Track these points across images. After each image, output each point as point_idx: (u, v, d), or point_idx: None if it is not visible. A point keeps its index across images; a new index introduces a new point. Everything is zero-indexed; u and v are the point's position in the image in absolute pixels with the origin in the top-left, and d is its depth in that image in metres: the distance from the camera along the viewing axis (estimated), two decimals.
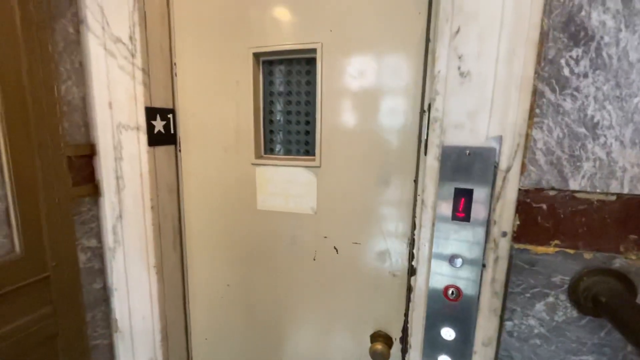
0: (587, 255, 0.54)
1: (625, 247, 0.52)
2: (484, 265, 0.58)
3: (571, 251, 0.54)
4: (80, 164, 0.80)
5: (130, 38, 0.76)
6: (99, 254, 0.87)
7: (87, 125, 0.81)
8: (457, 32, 0.55)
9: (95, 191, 0.83)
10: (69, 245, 0.77)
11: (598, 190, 0.52)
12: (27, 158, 0.67)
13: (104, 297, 0.89)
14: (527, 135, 0.53)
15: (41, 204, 0.70)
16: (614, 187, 0.51)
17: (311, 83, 0.80)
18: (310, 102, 0.81)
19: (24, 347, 0.69)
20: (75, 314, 0.80)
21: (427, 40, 0.67)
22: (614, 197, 0.51)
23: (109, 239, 0.86)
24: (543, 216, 0.54)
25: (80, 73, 0.79)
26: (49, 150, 0.71)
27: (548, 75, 0.51)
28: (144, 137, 0.80)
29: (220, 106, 0.85)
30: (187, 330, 1.00)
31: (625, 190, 0.50)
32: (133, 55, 0.77)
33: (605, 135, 0.50)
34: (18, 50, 0.64)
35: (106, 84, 0.79)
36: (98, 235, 0.86)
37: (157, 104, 0.83)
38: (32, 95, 0.67)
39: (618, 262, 0.52)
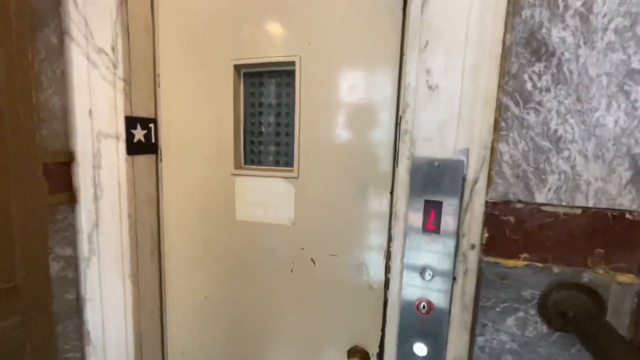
0: (556, 269, 0.53)
1: (593, 261, 0.51)
2: (454, 278, 0.58)
3: (540, 265, 0.54)
4: (58, 172, 0.80)
5: (113, 49, 0.77)
6: (73, 263, 0.85)
7: (66, 133, 0.81)
8: (426, 46, 0.56)
9: (72, 199, 0.83)
10: (41, 254, 0.76)
11: (564, 204, 0.52)
12: (1, 165, 0.67)
13: (77, 308, 0.87)
14: (493, 148, 0.54)
15: (13, 211, 0.69)
16: (580, 201, 0.51)
17: (290, 95, 0.81)
18: (290, 114, 0.82)
19: None
20: (45, 325, 0.78)
21: (402, 54, 0.68)
22: (579, 211, 0.51)
23: (84, 247, 0.85)
24: (511, 229, 0.54)
25: (62, 82, 0.79)
26: (24, 158, 0.71)
27: (512, 90, 0.52)
28: (123, 146, 0.80)
29: (201, 116, 0.86)
30: (163, 344, 0.98)
31: (591, 204, 0.51)
32: (115, 66, 0.78)
33: (568, 149, 0.51)
34: None
35: (87, 92, 0.80)
36: (73, 244, 0.85)
37: (139, 113, 0.84)
38: (9, 102, 0.67)
39: (587, 277, 0.52)
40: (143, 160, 0.86)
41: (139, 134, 0.84)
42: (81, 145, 0.81)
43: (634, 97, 0.47)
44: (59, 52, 0.78)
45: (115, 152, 0.81)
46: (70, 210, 0.83)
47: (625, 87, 0.48)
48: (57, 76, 0.78)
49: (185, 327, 0.95)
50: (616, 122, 0.48)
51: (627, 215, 0.49)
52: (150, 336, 0.92)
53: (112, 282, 0.85)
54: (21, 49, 0.68)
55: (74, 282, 0.86)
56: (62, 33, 0.79)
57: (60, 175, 0.80)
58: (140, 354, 0.89)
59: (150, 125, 0.87)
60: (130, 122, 0.81)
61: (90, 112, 0.80)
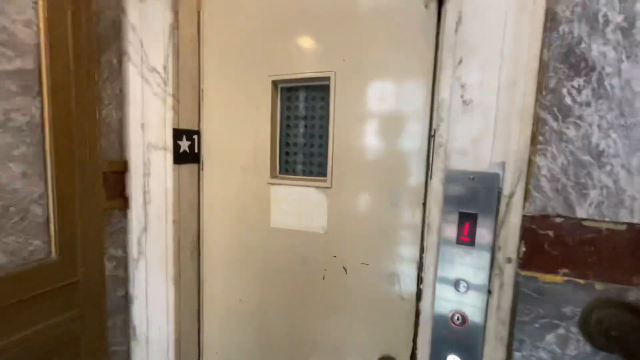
0: (599, 286, 0.52)
1: (639, 279, 0.50)
2: (489, 292, 0.58)
3: (581, 281, 0.53)
4: (113, 179, 0.88)
5: (164, 68, 0.85)
6: (123, 263, 0.93)
7: (121, 144, 0.90)
8: (460, 62, 0.58)
9: (124, 204, 0.91)
10: (98, 254, 0.84)
11: (607, 219, 0.51)
12: (69, 173, 0.75)
13: (125, 305, 0.94)
14: (531, 162, 0.54)
15: (77, 215, 0.78)
16: (624, 216, 0.50)
17: (325, 108, 0.85)
18: (324, 126, 0.86)
19: (50, 347, 0.75)
20: (98, 319, 0.86)
21: (435, 69, 0.70)
22: (624, 227, 0.50)
23: (133, 249, 0.93)
24: (550, 243, 0.54)
25: (119, 98, 0.88)
26: (88, 167, 0.79)
27: (550, 104, 0.52)
28: (170, 156, 0.87)
29: (240, 128, 0.92)
30: (200, 344, 1.03)
31: (636, 219, 0.49)
32: (165, 83, 0.86)
33: (611, 163, 0.50)
34: (69, 79, 0.73)
35: (140, 107, 0.88)
36: (124, 245, 0.93)
37: (184, 125, 0.91)
38: (77, 118, 0.76)
39: (633, 295, 0.50)
40: (187, 169, 0.93)
41: (184, 145, 0.91)
42: (134, 156, 0.89)
43: None
44: (118, 72, 0.87)
45: (163, 162, 0.88)
46: (123, 215, 0.91)
47: None
48: (115, 93, 0.87)
49: (220, 329, 1.00)
50: None
51: None
52: (188, 335, 0.98)
53: (157, 283, 0.92)
54: (89, 70, 0.77)
55: (124, 281, 0.93)
56: (121, 55, 0.88)
57: (115, 183, 0.88)
58: (179, 351, 0.95)
59: (194, 136, 0.94)
60: (177, 134, 0.88)
61: (142, 125, 0.88)
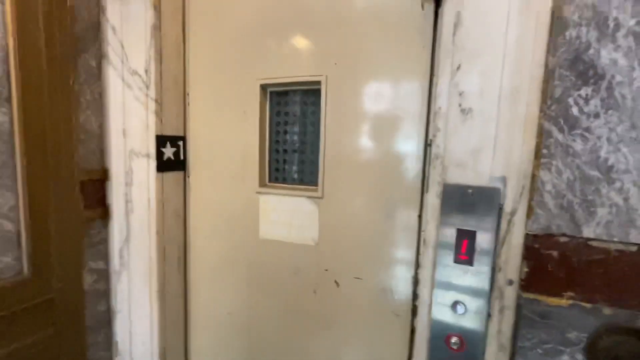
0: (607, 311, 0.48)
1: None
2: (489, 315, 0.54)
3: (587, 305, 0.49)
4: (93, 188, 0.83)
5: (146, 71, 0.81)
6: (105, 276, 0.88)
7: (102, 151, 0.85)
8: (459, 68, 0.53)
9: (105, 214, 0.86)
10: (76, 267, 0.79)
11: (616, 239, 0.47)
12: (42, 183, 0.71)
13: (108, 319, 0.90)
14: (534, 177, 0.50)
15: (51, 227, 0.73)
16: (635, 237, 0.46)
17: (316, 113, 0.81)
18: (315, 132, 0.81)
19: None
20: (77, 335, 0.81)
21: (432, 74, 0.66)
22: (634, 248, 0.46)
23: (115, 261, 0.88)
24: (554, 264, 0.50)
25: (99, 103, 0.83)
26: (63, 176, 0.74)
27: (555, 115, 0.48)
28: (153, 164, 0.83)
29: (228, 134, 0.87)
30: (187, 358, 0.99)
31: None
32: (147, 87, 0.81)
33: (621, 180, 0.46)
34: (42, 84, 0.69)
35: (122, 113, 0.83)
36: (106, 257, 0.88)
37: (168, 131, 0.86)
38: (52, 124, 0.71)
39: None
40: (172, 177, 0.88)
41: (168, 151, 0.86)
42: (115, 163, 0.85)
43: None
44: (97, 75, 0.82)
45: (146, 170, 0.83)
46: (104, 225, 0.87)
47: None
48: (95, 97, 0.82)
49: (207, 343, 0.96)
50: None
51: None
52: (174, 350, 0.94)
53: (140, 296, 0.87)
54: (64, 74, 0.72)
55: (106, 294, 0.89)
56: (100, 57, 0.83)
57: (95, 192, 0.84)
58: None
59: (179, 143, 0.90)
60: (161, 141, 0.83)
61: (124, 131, 0.84)
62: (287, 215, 0.83)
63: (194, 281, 0.95)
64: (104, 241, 0.87)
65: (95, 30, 0.81)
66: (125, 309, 0.89)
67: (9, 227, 0.67)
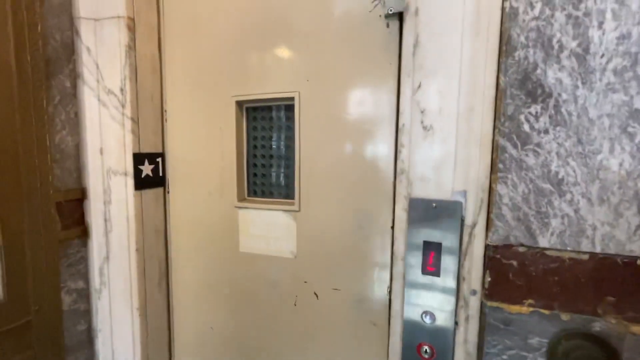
0: (565, 317, 0.50)
1: (603, 310, 0.48)
2: (456, 324, 0.56)
3: (546, 312, 0.51)
4: (70, 208, 0.83)
5: (121, 90, 0.81)
6: (85, 295, 0.88)
7: (79, 170, 0.85)
8: (419, 87, 0.56)
9: (84, 233, 0.86)
10: (54, 289, 0.79)
11: (569, 249, 0.49)
12: (16, 205, 0.70)
13: (89, 338, 0.89)
14: (492, 190, 0.52)
15: (27, 249, 0.73)
16: (586, 246, 0.49)
17: (291, 128, 0.82)
18: (291, 147, 0.83)
19: None
20: (56, 357, 0.81)
21: (399, 91, 0.68)
22: (586, 256, 0.49)
23: (95, 280, 0.88)
24: (514, 273, 0.52)
25: (75, 123, 0.84)
26: (37, 197, 0.74)
27: (509, 131, 0.51)
28: (131, 182, 0.83)
29: (206, 150, 0.88)
30: None
31: (598, 249, 0.48)
32: (123, 106, 0.82)
33: (571, 192, 0.49)
34: (13, 107, 0.69)
35: (98, 132, 0.84)
36: (85, 276, 0.88)
37: (146, 149, 0.87)
38: (24, 146, 0.71)
39: (598, 325, 0.49)
40: (151, 194, 0.89)
41: (146, 169, 0.86)
42: (92, 182, 0.85)
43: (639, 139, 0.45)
44: (73, 95, 0.83)
45: (124, 188, 0.84)
46: (83, 244, 0.86)
47: (629, 129, 0.45)
48: (70, 117, 0.83)
49: (191, 359, 0.95)
50: (621, 164, 0.46)
51: (639, 262, 0.46)
52: None
53: (122, 314, 0.87)
54: (37, 95, 0.73)
55: (86, 314, 0.88)
56: (75, 77, 0.83)
57: (73, 211, 0.84)
58: None
59: (157, 159, 0.90)
60: (138, 159, 0.84)
61: (101, 150, 0.84)
62: (266, 228, 0.84)
63: (176, 297, 0.96)
64: (84, 260, 0.87)
65: (69, 51, 0.81)
66: (107, 328, 0.89)
67: None
